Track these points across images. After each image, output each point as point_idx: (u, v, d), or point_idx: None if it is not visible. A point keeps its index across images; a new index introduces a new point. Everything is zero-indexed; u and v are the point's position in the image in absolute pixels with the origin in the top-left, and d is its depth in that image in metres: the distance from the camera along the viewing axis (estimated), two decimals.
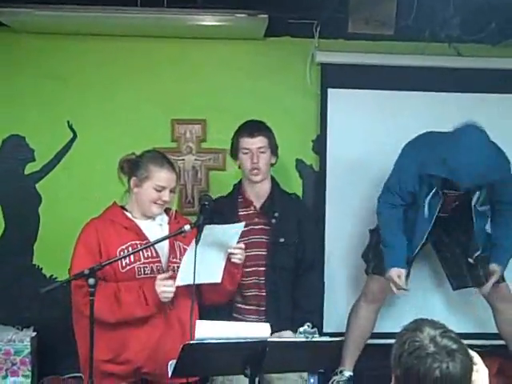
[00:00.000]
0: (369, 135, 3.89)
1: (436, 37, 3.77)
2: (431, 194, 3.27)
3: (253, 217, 3.22)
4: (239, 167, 3.30)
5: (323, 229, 3.94)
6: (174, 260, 2.81)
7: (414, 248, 3.42)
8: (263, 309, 3.18)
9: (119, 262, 2.73)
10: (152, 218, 2.88)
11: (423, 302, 3.90)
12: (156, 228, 2.87)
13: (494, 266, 3.42)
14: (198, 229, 2.65)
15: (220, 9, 3.50)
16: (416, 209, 3.36)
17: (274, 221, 3.18)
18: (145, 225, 2.86)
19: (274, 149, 3.24)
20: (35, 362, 3.65)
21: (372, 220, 3.80)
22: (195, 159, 3.93)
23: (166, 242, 2.83)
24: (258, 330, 2.37)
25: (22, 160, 3.89)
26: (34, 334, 3.67)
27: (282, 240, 3.17)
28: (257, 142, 3.16)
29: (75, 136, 3.90)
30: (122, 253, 2.74)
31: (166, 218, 2.92)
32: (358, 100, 3.91)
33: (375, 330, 3.66)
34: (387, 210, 3.38)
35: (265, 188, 3.26)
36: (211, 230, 2.64)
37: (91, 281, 2.51)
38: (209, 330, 2.35)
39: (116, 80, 3.89)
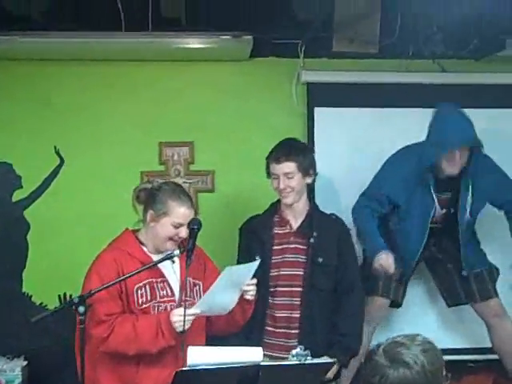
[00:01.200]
0: (355, 152, 3.90)
1: (420, 53, 3.82)
2: (424, 195, 3.35)
3: (288, 236, 3.16)
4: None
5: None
6: (186, 298, 2.72)
7: (412, 260, 3.46)
8: (294, 332, 3.09)
9: (135, 299, 2.65)
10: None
11: (418, 318, 3.89)
12: (169, 263, 2.76)
13: None
14: (187, 253, 2.64)
15: (205, 31, 3.52)
16: (410, 218, 3.41)
17: (312, 240, 3.10)
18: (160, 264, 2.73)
19: (306, 170, 3.11)
20: None
21: None
22: (183, 182, 3.89)
23: (178, 278, 2.75)
24: (250, 354, 2.35)
25: (9, 187, 3.87)
26: (25, 363, 3.62)
27: (320, 260, 3.09)
28: (283, 168, 3.08)
29: (62, 162, 3.89)
30: (139, 290, 2.67)
31: (177, 251, 2.74)
32: (345, 118, 3.92)
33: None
34: (360, 209, 3.46)
35: (301, 208, 3.18)
36: (230, 271, 2.60)
37: (81, 309, 2.47)
38: (201, 356, 2.33)
39: (102, 104, 3.89)
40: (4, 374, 3.54)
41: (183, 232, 2.71)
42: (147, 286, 2.68)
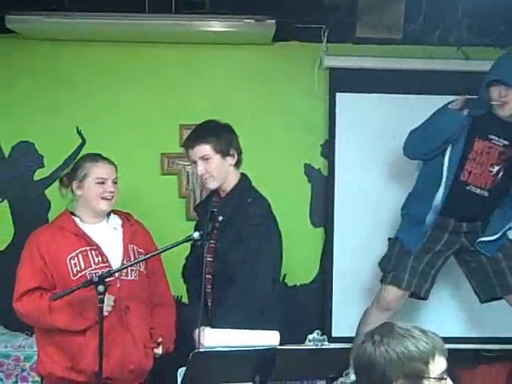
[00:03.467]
0: (376, 138, 3.88)
1: (444, 40, 3.77)
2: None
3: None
4: None
5: (332, 234, 3.94)
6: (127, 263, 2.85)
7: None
8: None
9: (70, 269, 2.79)
10: (103, 217, 2.93)
11: (437, 308, 3.86)
12: (110, 232, 2.93)
13: None
14: (207, 236, 2.66)
15: (228, 14, 3.51)
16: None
17: (217, 225, 2.88)
18: (97, 230, 2.91)
19: (225, 150, 2.93)
20: None
21: (383, 225, 3.80)
22: None
23: (120, 244, 2.90)
24: (266, 338, 2.37)
25: (31, 166, 3.91)
26: None
27: (218, 245, 2.91)
28: (197, 152, 2.92)
29: (84, 142, 3.91)
30: (72, 260, 2.79)
31: (119, 221, 2.98)
32: (367, 104, 3.90)
33: None
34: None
35: (231, 189, 2.99)
36: None
37: (100, 288, 2.57)
38: (217, 338, 2.35)
39: (124, 86, 3.90)
40: (23, 351, 3.59)
41: (110, 186, 2.89)
42: (80, 256, 2.80)
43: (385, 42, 3.79)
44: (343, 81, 3.89)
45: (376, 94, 3.89)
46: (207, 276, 2.90)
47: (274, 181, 3.82)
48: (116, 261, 2.85)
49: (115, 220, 2.99)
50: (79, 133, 3.91)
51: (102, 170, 2.91)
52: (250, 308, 2.77)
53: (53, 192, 3.91)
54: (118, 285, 2.83)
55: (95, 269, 2.79)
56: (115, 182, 2.95)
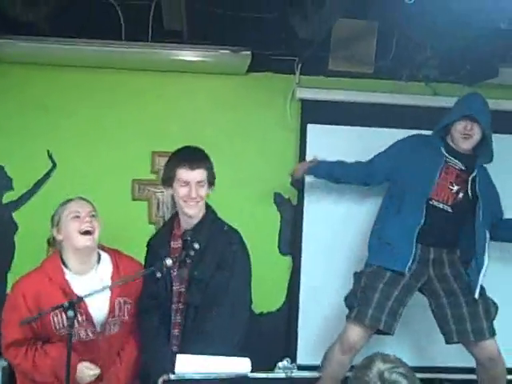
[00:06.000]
0: None
1: (414, 76, 3.89)
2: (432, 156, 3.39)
3: (179, 250, 2.85)
4: (172, 198, 3.02)
5: (299, 262, 3.98)
6: (111, 321, 2.83)
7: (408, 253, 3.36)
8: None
9: (53, 325, 2.76)
10: (92, 264, 2.86)
11: (408, 335, 3.87)
12: (97, 285, 2.78)
13: None
14: (180, 265, 2.66)
15: (204, 45, 3.56)
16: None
17: (192, 253, 2.75)
18: (85, 283, 2.80)
19: (212, 180, 2.91)
20: None
21: (350, 256, 3.85)
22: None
23: (107, 302, 2.82)
24: (238, 365, 2.37)
25: None
26: (6, 363, 3.60)
27: (195, 273, 2.82)
28: (196, 176, 2.84)
29: (55, 165, 3.90)
30: (55, 317, 2.75)
31: (109, 267, 2.89)
32: (337, 136, 3.97)
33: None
34: None
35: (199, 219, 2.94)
36: None
37: (70, 313, 2.54)
38: (188, 365, 2.34)
39: (97, 111, 3.92)
40: None
41: (86, 218, 2.82)
42: (63, 314, 2.70)
43: (356, 76, 3.88)
44: (314, 112, 3.97)
45: (346, 126, 3.97)
46: (178, 306, 2.84)
47: (243, 209, 3.87)
48: (100, 317, 2.82)
49: (104, 267, 2.90)
50: (50, 156, 3.90)
51: (74, 205, 2.86)
52: (235, 335, 2.77)
53: (20, 215, 3.90)
54: (100, 341, 2.83)
55: (78, 328, 2.75)
56: (93, 216, 2.86)
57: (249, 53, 3.53)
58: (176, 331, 2.85)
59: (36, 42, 3.51)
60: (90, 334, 2.80)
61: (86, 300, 2.72)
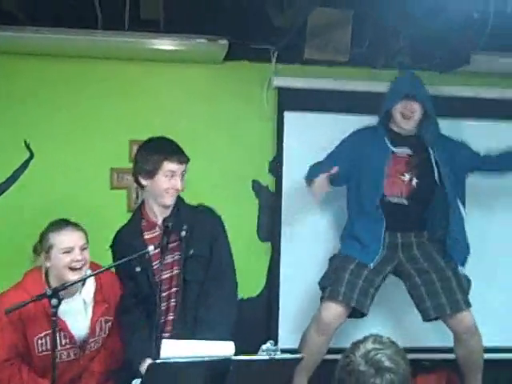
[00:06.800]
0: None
1: (388, 64, 3.95)
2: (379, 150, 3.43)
3: (159, 237, 2.93)
4: (142, 186, 3.02)
5: (278, 250, 4.04)
6: (92, 340, 2.88)
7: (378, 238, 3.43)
8: (170, 318, 2.99)
9: (36, 348, 2.79)
10: (76, 289, 2.85)
11: (388, 316, 3.97)
12: (80, 308, 2.85)
13: None
14: (162, 250, 2.70)
15: (180, 33, 3.57)
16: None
17: (183, 234, 2.93)
18: (68, 307, 2.80)
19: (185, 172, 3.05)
20: None
21: (327, 242, 3.91)
22: None
23: (87, 322, 2.86)
24: (222, 349, 2.42)
25: None
26: None
27: (191, 252, 2.95)
28: (182, 168, 2.96)
29: (32, 155, 3.88)
30: (39, 341, 2.78)
31: (92, 287, 2.89)
32: (313, 123, 4.02)
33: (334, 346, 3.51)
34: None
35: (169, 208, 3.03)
36: None
37: (54, 301, 2.58)
38: (173, 349, 2.39)
39: (74, 100, 3.91)
40: None
41: (78, 255, 2.78)
42: (47, 338, 2.76)
43: (332, 64, 3.92)
44: (291, 100, 4.01)
45: (322, 114, 4.02)
46: (172, 290, 2.93)
47: (222, 196, 3.89)
48: (81, 337, 2.87)
49: (87, 289, 2.89)
50: (27, 146, 3.88)
51: (66, 238, 2.79)
52: (232, 315, 2.96)
53: None
54: (81, 360, 2.90)
55: (61, 350, 2.80)
56: (84, 249, 2.82)
57: (226, 42, 3.55)
58: (171, 315, 2.95)
59: (11, 31, 3.48)
60: (72, 355, 2.86)
61: (68, 322, 2.79)
